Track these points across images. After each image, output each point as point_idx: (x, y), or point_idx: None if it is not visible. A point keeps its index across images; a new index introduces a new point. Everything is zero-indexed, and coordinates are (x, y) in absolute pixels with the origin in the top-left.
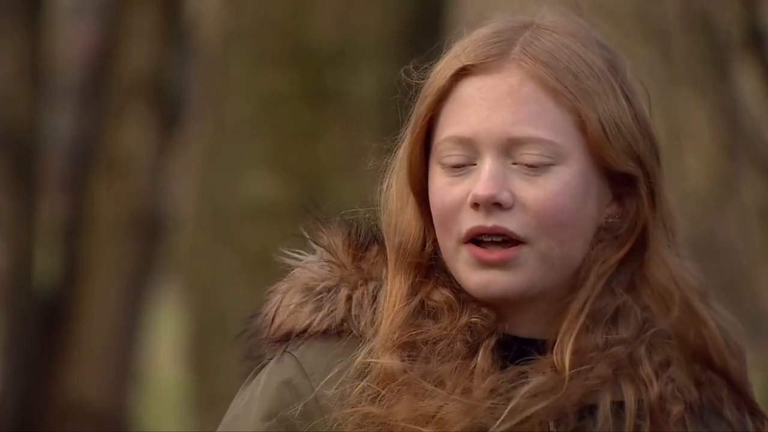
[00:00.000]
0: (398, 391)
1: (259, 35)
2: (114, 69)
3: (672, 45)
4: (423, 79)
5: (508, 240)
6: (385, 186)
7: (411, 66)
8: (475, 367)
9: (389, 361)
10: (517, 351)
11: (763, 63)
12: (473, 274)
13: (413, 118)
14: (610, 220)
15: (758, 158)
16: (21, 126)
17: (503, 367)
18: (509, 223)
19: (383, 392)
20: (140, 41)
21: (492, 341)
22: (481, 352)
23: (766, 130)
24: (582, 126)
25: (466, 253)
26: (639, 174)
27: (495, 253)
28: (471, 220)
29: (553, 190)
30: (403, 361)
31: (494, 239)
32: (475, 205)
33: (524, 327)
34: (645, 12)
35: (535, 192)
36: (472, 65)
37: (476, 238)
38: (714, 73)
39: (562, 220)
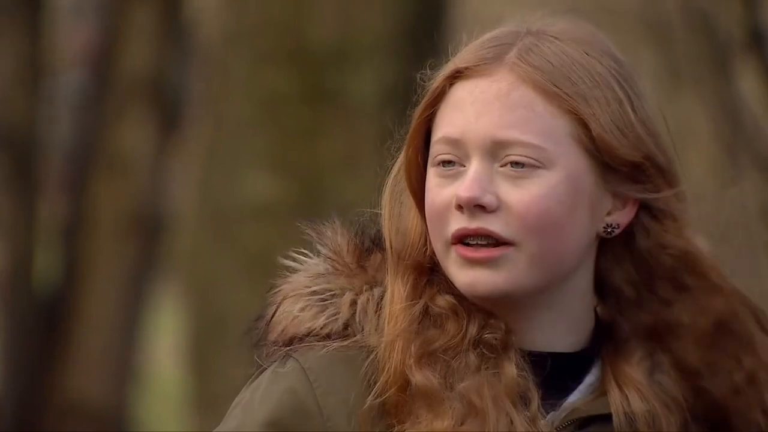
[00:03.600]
0: (430, 405)
1: (259, 35)
2: (114, 69)
3: (673, 44)
4: (430, 81)
5: (494, 242)
6: (386, 188)
7: (428, 65)
8: (501, 383)
9: (423, 378)
10: (538, 363)
11: (763, 63)
12: (461, 274)
13: (411, 120)
14: (609, 230)
15: (759, 157)
16: (21, 126)
17: (546, 387)
18: (493, 225)
19: (421, 408)
20: (140, 41)
21: (513, 355)
22: (508, 370)
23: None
24: (579, 131)
25: (454, 253)
26: (644, 175)
27: (480, 252)
28: (456, 222)
29: (538, 194)
30: (434, 375)
31: (479, 242)
32: (459, 207)
33: (537, 340)
34: (646, 11)
35: (520, 195)
36: (466, 68)
37: (464, 240)
38: (715, 73)
39: (547, 223)
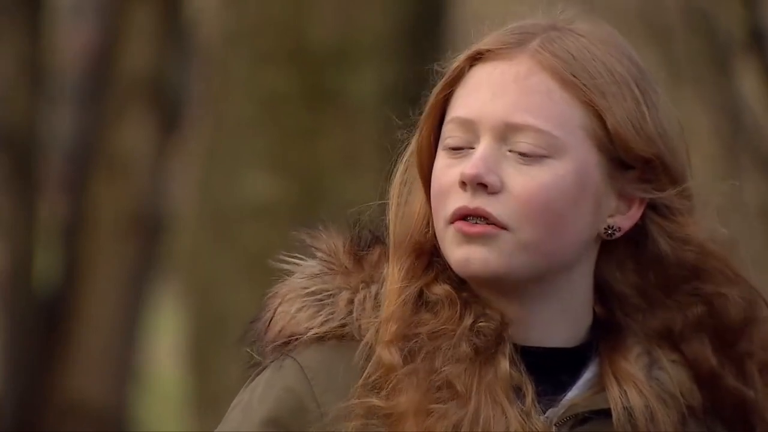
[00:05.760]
0: (400, 383)
1: (259, 35)
2: (114, 69)
3: (673, 44)
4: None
5: (490, 224)
6: (398, 174)
7: (445, 55)
8: (494, 375)
9: (388, 354)
10: (536, 358)
11: (763, 63)
12: (456, 250)
13: (429, 100)
14: (609, 231)
15: (759, 157)
16: (21, 126)
17: (537, 379)
18: (493, 207)
19: (386, 384)
20: (140, 41)
21: (508, 349)
22: (501, 363)
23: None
24: (594, 124)
25: (452, 229)
26: (653, 174)
27: (477, 227)
28: (458, 200)
29: (543, 182)
30: (404, 354)
31: (478, 221)
32: (463, 185)
33: (534, 335)
34: (646, 11)
35: (524, 181)
36: (487, 50)
37: (462, 219)
38: (715, 73)
39: (548, 212)
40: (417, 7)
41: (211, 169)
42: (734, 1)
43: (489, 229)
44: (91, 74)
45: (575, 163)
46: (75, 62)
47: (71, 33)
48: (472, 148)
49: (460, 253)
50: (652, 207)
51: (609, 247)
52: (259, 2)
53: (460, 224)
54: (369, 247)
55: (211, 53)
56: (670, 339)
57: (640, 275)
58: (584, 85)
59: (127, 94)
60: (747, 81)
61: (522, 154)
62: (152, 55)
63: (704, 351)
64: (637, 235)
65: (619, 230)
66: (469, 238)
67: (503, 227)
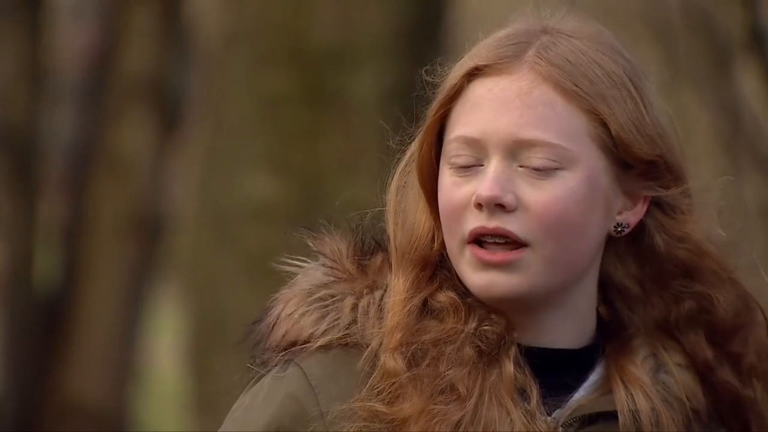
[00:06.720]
0: (404, 389)
1: (259, 35)
2: (114, 69)
3: (673, 44)
4: (441, 78)
5: (510, 242)
6: (394, 183)
7: (434, 63)
8: (499, 377)
9: (393, 360)
10: (542, 360)
11: (763, 63)
12: (476, 275)
13: (426, 116)
14: (619, 229)
15: (759, 157)
16: (21, 126)
17: (543, 381)
18: (511, 225)
19: (389, 389)
20: (140, 41)
21: (513, 351)
22: (506, 365)
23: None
24: (598, 130)
25: (469, 253)
26: (657, 172)
27: (497, 255)
28: (474, 221)
29: (558, 195)
30: (407, 360)
31: (497, 240)
32: (479, 206)
33: (542, 337)
34: (646, 11)
35: (539, 196)
36: (485, 65)
37: (479, 239)
38: (715, 73)
39: (565, 224)
40: (417, 8)
41: (211, 169)
42: (734, 1)
43: (509, 255)
44: (91, 74)
45: (586, 171)
46: (75, 62)
47: (71, 33)
48: (481, 165)
49: (480, 280)
50: (656, 203)
51: (611, 241)
52: (259, 3)
53: (478, 252)
54: (372, 253)
55: (211, 54)
56: (669, 331)
57: (639, 267)
58: (586, 93)
59: (127, 94)
60: (747, 81)
61: (535, 169)
62: (152, 55)
63: (700, 342)
64: (637, 230)
65: (628, 226)
66: (488, 266)
67: (524, 244)
